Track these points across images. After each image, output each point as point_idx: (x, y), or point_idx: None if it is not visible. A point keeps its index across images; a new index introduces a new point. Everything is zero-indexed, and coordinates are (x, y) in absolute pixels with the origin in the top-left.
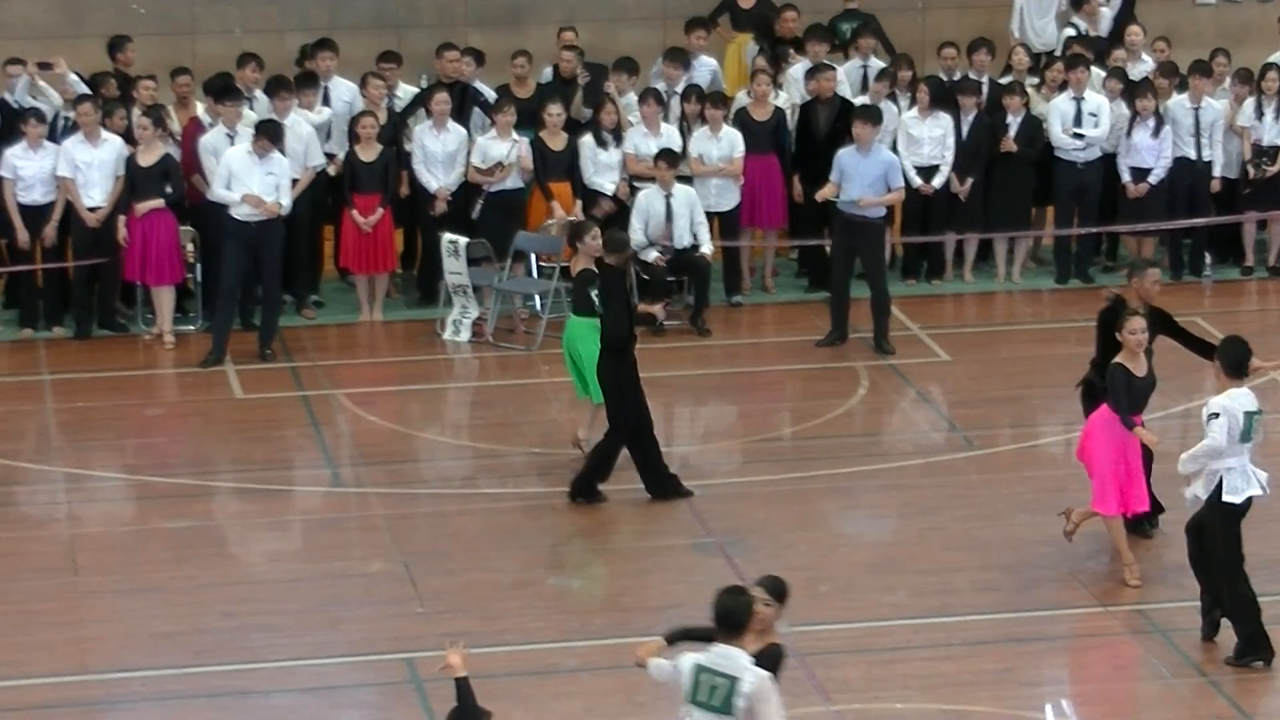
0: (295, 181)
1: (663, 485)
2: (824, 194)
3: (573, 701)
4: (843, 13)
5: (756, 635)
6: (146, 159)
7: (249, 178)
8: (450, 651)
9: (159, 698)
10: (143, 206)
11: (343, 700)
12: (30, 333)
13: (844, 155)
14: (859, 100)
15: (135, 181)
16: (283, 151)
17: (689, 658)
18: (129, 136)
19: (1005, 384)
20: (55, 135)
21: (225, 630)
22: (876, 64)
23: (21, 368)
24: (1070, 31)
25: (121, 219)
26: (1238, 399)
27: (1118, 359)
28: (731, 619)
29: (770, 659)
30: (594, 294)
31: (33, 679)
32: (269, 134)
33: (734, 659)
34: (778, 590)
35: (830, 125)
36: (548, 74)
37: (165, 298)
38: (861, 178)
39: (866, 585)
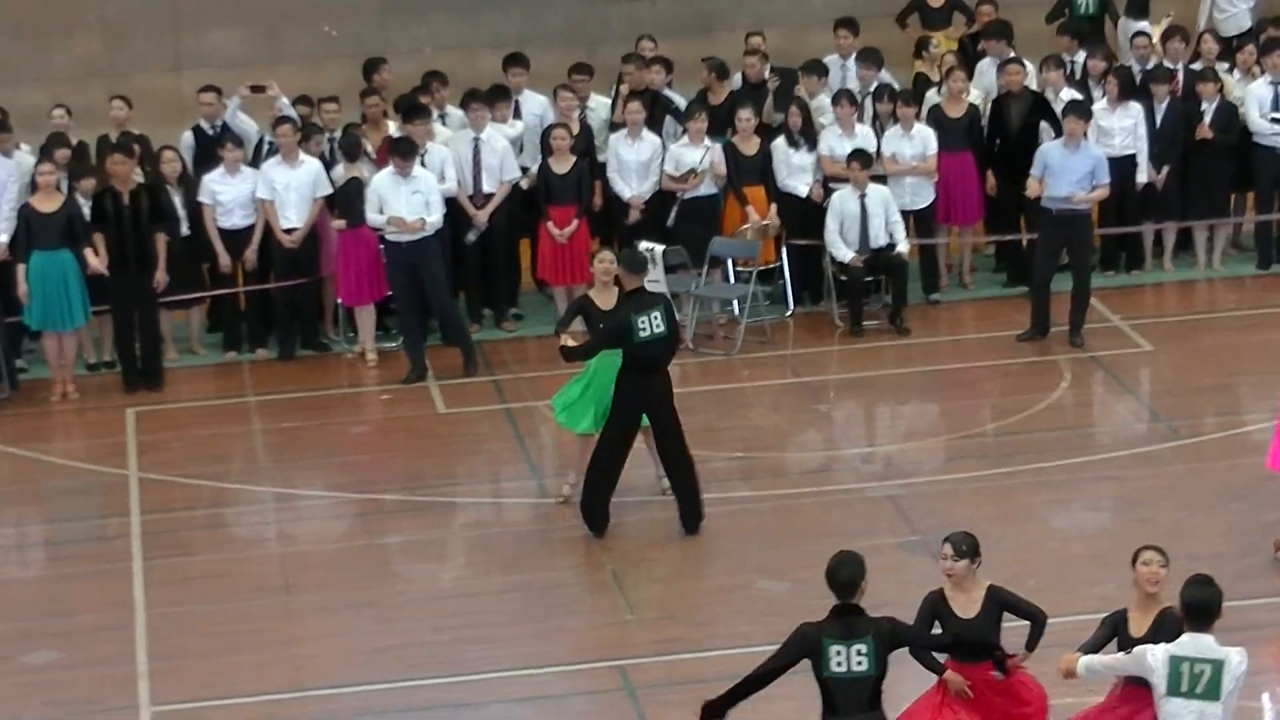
0: (503, 196)
1: (593, 517)
2: (1033, 191)
3: (785, 704)
4: None
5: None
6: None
7: (395, 199)
8: None
9: (374, 713)
10: (335, 225)
11: (557, 710)
12: (234, 355)
13: (1050, 150)
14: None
15: (329, 202)
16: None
17: (1159, 649)
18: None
19: (1209, 372)
20: (257, 161)
21: (438, 644)
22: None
23: (227, 390)
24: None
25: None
26: None
27: None
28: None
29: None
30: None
31: (248, 697)
32: (400, 152)
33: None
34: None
35: (1022, 119)
36: (738, 80)
37: (366, 316)
38: (1070, 173)
39: (1076, 579)
